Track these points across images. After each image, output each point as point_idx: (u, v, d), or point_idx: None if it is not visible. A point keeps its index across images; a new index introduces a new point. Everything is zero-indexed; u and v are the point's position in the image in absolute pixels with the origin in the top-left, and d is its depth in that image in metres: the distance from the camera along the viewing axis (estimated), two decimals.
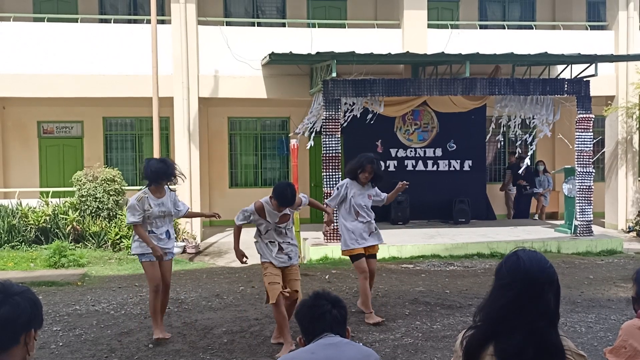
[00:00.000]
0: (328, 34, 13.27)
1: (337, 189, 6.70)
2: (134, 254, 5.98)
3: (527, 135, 12.96)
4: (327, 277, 8.95)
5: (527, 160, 13.08)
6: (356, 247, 6.49)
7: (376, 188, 6.74)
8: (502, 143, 15.23)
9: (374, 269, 6.66)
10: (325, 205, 6.82)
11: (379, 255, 10.36)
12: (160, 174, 5.85)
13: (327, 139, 10.99)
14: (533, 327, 1.97)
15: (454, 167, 14.43)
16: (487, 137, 13.92)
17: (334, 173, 10.92)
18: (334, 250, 10.41)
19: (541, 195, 15.08)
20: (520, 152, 13.66)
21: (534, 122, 12.69)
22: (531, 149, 13.12)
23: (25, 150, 14.47)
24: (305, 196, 5.96)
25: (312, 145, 12.00)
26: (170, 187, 6.14)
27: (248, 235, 6.01)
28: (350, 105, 11.64)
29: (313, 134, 11.95)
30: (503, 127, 13.13)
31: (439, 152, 14.36)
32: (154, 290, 5.82)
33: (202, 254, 11.86)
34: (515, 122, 12.86)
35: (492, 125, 13.46)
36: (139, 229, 5.77)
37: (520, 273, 2.01)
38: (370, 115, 12.09)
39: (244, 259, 5.76)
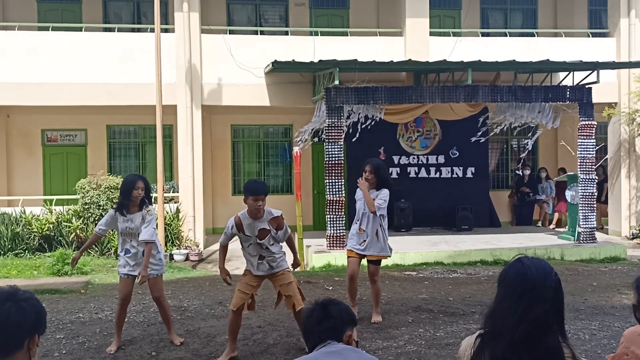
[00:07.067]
0: (330, 42, 13.31)
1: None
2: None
3: (527, 140, 13.09)
4: (330, 286, 8.92)
5: (526, 172, 13.26)
6: (348, 249, 6.84)
7: (380, 193, 6.59)
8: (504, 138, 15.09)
9: (371, 275, 6.73)
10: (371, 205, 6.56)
11: (382, 263, 10.44)
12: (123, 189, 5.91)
13: (329, 147, 11.00)
14: (533, 333, 1.97)
15: (456, 174, 14.42)
16: (485, 141, 14.00)
17: (336, 180, 10.92)
18: (337, 258, 10.41)
19: (544, 202, 15.07)
20: (524, 160, 13.84)
21: (534, 124, 12.84)
22: (527, 149, 13.36)
23: (29, 159, 14.54)
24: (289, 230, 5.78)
25: (307, 143, 12.18)
26: (146, 206, 5.86)
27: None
28: (353, 112, 11.68)
29: (309, 137, 12.01)
30: (503, 132, 13.21)
31: (441, 159, 14.36)
32: (119, 302, 5.97)
33: (205, 261, 11.87)
34: (510, 125, 12.96)
35: (495, 130, 13.49)
36: (91, 237, 6.12)
37: (523, 281, 2.02)
38: (372, 122, 12.11)
39: (229, 279, 5.63)
